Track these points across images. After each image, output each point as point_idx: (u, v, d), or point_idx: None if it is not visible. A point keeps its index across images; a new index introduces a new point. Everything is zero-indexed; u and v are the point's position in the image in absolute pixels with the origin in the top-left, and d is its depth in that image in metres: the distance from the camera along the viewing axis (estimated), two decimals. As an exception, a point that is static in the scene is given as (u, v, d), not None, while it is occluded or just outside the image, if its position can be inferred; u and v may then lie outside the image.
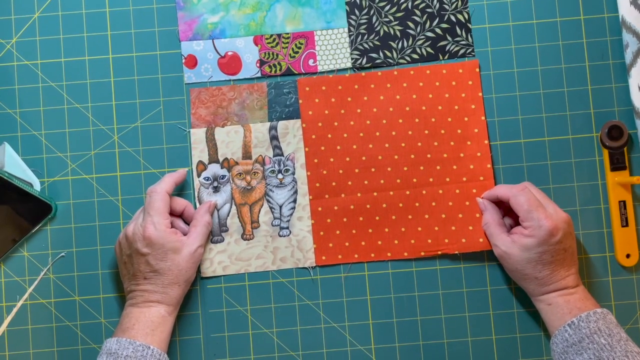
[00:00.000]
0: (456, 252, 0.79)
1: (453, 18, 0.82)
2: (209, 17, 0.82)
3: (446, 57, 0.82)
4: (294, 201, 0.80)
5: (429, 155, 0.80)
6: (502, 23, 0.82)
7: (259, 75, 0.82)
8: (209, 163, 0.81)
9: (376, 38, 0.82)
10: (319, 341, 0.79)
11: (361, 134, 0.81)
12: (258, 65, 0.82)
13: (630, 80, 0.80)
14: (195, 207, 0.80)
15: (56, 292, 0.80)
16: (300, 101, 0.81)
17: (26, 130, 0.81)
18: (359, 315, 0.80)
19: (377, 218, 0.80)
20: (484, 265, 0.80)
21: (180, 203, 0.79)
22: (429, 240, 0.80)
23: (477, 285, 0.80)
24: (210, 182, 0.80)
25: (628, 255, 0.79)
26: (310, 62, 0.82)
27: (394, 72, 0.81)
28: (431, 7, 0.82)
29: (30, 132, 0.81)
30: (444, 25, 0.82)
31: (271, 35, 0.82)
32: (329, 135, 0.81)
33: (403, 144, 0.80)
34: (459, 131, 0.80)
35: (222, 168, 0.81)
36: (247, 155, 0.81)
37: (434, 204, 0.80)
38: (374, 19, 0.82)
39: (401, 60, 0.82)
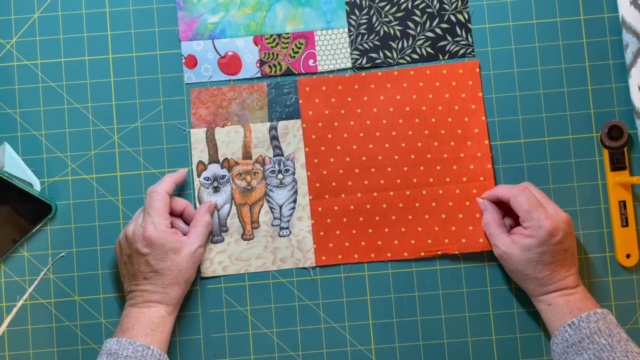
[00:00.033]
0: (456, 252, 0.79)
1: (453, 18, 0.82)
2: (209, 17, 0.82)
3: (446, 57, 0.82)
4: (294, 201, 0.80)
5: (429, 156, 0.80)
6: (502, 23, 0.82)
7: (259, 75, 0.82)
8: (209, 163, 0.81)
9: (376, 38, 0.82)
10: (319, 341, 0.79)
11: (361, 134, 0.81)
12: (258, 65, 0.82)
13: (630, 80, 0.80)
14: (195, 207, 0.80)
15: (56, 292, 0.80)
16: (301, 101, 0.81)
17: (26, 130, 0.81)
18: (359, 315, 0.80)
19: (377, 218, 0.80)
20: (484, 266, 0.80)
21: (180, 203, 0.79)
22: (429, 241, 0.80)
23: (477, 286, 0.80)
24: (210, 182, 0.80)
25: (628, 255, 0.79)
26: (310, 62, 0.82)
27: (394, 72, 0.81)
28: (431, 7, 0.82)
29: (30, 132, 0.81)
30: (444, 25, 0.82)
31: (271, 35, 0.82)
32: (329, 136, 0.81)
33: (403, 144, 0.80)
34: (459, 131, 0.80)
35: (222, 168, 0.81)
36: (247, 155, 0.81)
37: (434, 204, 0.80)
38: (374, 19, 0.82)
39: (401, 60, 0.82)
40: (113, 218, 0.80)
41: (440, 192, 0.80)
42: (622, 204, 0.79)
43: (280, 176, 0.80)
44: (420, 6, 0.82)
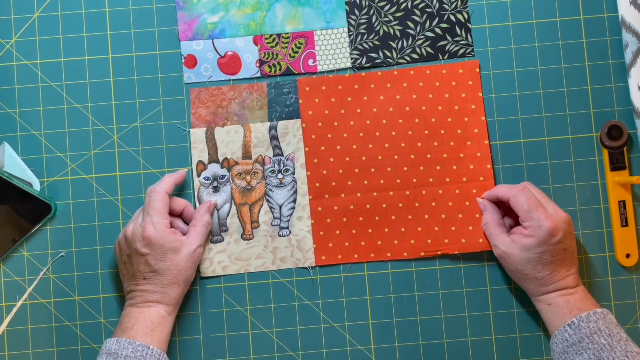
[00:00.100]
0: (456, 252, 0.79)
1: (453, 18, 0.82)
2: (209, 17, 0.82)
3: (446, 57, 0.82)
4: (294, 201, 0.80)
5: (429, 156, 0.80)
6: (502, 23, 0.82)
7: (258, 75, 0.82)
8: (209, 163, 0.81)
9: (376, 38, 0.82)
10: (319, 341, 0.79)
11: (361, 134, 0.81)
12: (258, 65, 0.82)
13: (630, 80, 0.80)
14: (195, 207, 0.80)
15: (56, 292, 0.80)
16: (301, 101, 0.81)
17: (26, 130, 0.81)
18: (359, 315, 0.80)
19: (377, 218, 0.80)
20: (483, 266, 0.80)
21: (180, 203, 0.79)
22: (429, 241, 0.80)
23: (477, 286, 0.80)
24: (210, 182, 0.80)
25: (628, 255, 0.79)
26: (310, 62, 0.82)
27: (395, 72, 0.81)
28: (431, 7, 0.82)
29: (30, 132, 0.81)
30: (444, 25, 0.82)
31: (271, 35, 0.82)
32: (329, 136, 0.81)
33: (403, 144, 0.80)
34: (459, 131, 0.80)
35: (222, 168, 0.81)
36: (247, 155, 0.81)
37: (434, 204, 0.80)
38: (374, 19, 0.82)
39: (401, 60, 0.82)
40: (113, 218, 0.80)
41: (440, 192, 0.80)
42: (622, 204, 0.79)
43: (280, 176, 0.80)
44: (420, 6, 0.82)
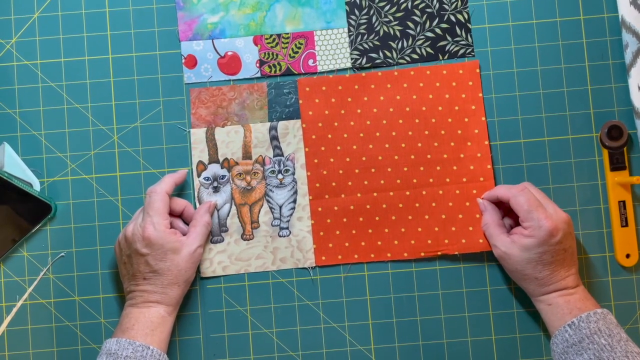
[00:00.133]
0: (456, 252, 0.79)
1: (453, 18, 0.82)
2: (208, 17, 0.82)
3: (446, 57, 0.82)
4: (294, 201, 0.80)
5: (429, 156, 0.80)
6: (501, 23, 0.82)
7: (258, 75, 0.82)
8: (209, 163, 0.81)
9: (376, 38, 0.82)
10: (318, 341, 0.79)
11: (361, 134, 0.81)
12: (258, 65, 0.82)
13: (630, 80, 0.80)
14: (195, 207, 0.80)
15: (56, 292, 0.80)
16: (301, 101, 0.81)
17: (26, 130, 0.81)
18: (359, 315, 0.80)
19: (377, 218, 0.80)
20: (483, 266, 0.80)
21: (180, 203, 0.79)
22: (429, 241, 0.80)
23: (476, 286, 0.80)
24: (210, 182, 0.80)
25: (628, 255, 0.79)
26: (310, 62, 0.82)
27: (394, 72, 0.81)
28: (431, 7, 0.82)
29: (30, 132, 0.81)
30: (444, 25, 0.82)
31: (271, 35, 0.82)
32: (329, 136, 0.81)
33: (403, 145, 0.80)
34: (459, 132, 0.80)
35: (222, 168, 0.81)
36: (247, 155, 0.81)
37: (434, 204, 0.80)
38: (374, 19, 0.82)
39: (401, 60, 0.82)
40: (113, 218, 0.80)
41: (440, 192, 0.80)
42: (622, 204, 0.79)
43: (280, 176, 0.80)
44: (420, 6, 0.82)
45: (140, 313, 0.73)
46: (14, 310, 0.79)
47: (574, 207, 0.80)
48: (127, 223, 0.76)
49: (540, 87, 0.81)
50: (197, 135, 0.81)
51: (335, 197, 0.80)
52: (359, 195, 0.80)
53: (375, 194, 0.80)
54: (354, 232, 0.80)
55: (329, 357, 0.79)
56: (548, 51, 0.81)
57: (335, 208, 0.80)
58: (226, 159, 0.81)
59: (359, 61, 0.82)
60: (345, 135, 0.81)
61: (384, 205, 0.80)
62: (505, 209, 0.79)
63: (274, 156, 0.81)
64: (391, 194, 0.80)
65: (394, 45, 0.82)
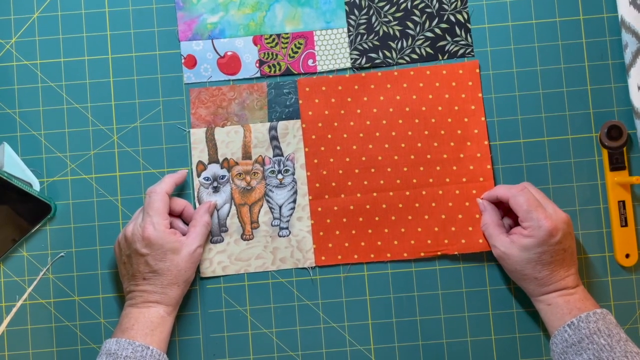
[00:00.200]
0: (456, 252, 0.79)
1: (452, 18, 0.82)
2: (208, 17, 0.82)
3: (445, 57, 0.82)
4: (294, 201, 0.80)
5: (428, 156, 0.80)
6: (501, 23, 0.82)
7: (258, 75, 0.82)
8: (209, 163, 0.81)
9: (375, 38, 0.82)
10: (318, 341, 0.79)
11: (361, 135, 0.81)
12: (257, 65, 0.82)
13: (629, 80, 0.80)
14: (194, 207, 0.80)
15: (55, 292, 0.80)
16: (300, 101, 0.81)
17: (25, 130, 0.81)
18: (359, 315, 0.80)
19: (376, 218, 0.80)
20: (483, 266, 0.80)
21: (180, 203, 0.79)
22: (429, 241, 0.80)
23: (476, 286, 0.80)
24: (210, 182, 0.80)
25: (627, 255, 0.79)
26: (310, 62, 0.82)
27: (394, 72, 0.81)
28: (430, 7, 0.82)
29: (29, 132, 0.81)
30: (444, 25, 0.82)
31: (270, 35, 0.82)
32: (329, 136, 0.81)
33: (403, 145, 0.80)
34: (459, 132, 0.80)
35: (222, 168, 0.81)
36: (247, 155, 0.81)
37: (433, 204, 0.80)
38: (374, 19, 0.82)
39: (400, 60, 0.82)
40: (112, 218, 0.80)
41: (440, 192, 0.80)
42: (622, 204, 0.79)
43: (280, 176, 0.80)
44: (420, 6, 0.82)
45: (140, 313, 0.73)
46: (14, 310, 0.79)
47: (573, 207, 0.80)
48: (127, 223, 0.76)
49: (540, 87, 0.81)
50: (197, 135, 0.81)
51: (335, 197, 0.80)
52: (358, 195, 0.80)
53: (375, 194, 0.80)
54: (353, 232, 0.80)
55: (328, 357, 0.79)
56: (548, 51, 0.81)
57: (335, 208, 0.80)
58: (226, 159, 0.81)
59: (358, 61, 0.82)
60: (345, 136, 0.81)
61: (384, 206, 0.80)
62: (504, 209, 0.79)
63: (273, 156, 0.81)
64: (391, 194, 0.80)
65: (393, 45, 0.82)
